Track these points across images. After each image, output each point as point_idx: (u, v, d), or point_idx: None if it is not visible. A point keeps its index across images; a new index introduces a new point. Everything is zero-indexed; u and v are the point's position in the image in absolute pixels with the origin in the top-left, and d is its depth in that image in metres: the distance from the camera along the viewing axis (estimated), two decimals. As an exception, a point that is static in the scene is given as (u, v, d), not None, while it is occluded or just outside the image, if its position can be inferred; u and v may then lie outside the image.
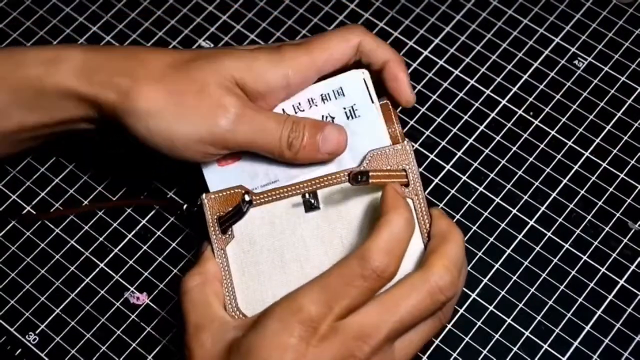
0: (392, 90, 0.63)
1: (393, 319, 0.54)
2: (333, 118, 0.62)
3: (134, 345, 0.66)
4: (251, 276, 0.61)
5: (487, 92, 0.75)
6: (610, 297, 0.67)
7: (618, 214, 0.70)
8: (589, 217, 0.70)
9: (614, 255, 0.68)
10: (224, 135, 0.60)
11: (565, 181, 0.71)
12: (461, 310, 0.67)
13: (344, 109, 0.62)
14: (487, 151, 0.72)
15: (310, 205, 0.61)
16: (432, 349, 0.65)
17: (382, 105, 0.63)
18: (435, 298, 0.56)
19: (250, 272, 0.61)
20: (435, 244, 0.58)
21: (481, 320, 0.66)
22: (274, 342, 0.53)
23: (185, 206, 0.66)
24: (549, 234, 0.69)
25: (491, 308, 0.67)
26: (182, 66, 0.61)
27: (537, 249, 0.69)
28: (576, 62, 0.76)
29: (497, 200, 0.70)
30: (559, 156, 0.72)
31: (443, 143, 0.73)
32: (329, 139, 0.61)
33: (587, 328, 0.66)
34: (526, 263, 0.68)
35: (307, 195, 0.61)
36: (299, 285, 0.55)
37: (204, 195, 0.62)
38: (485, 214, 0.70)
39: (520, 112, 0.74)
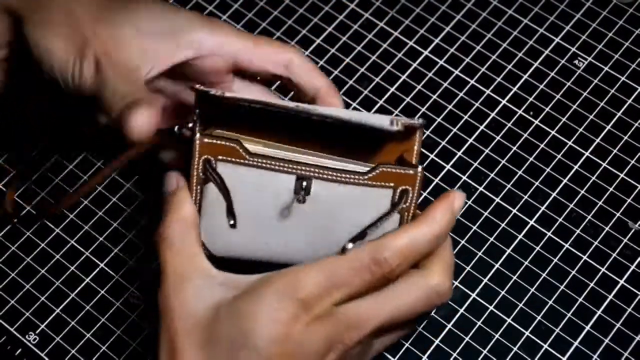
0: None
1: (387, 314, 0.55)
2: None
3: (134, 345, 0.66)
4: (217, 224, 0.58)
5: (487, 92, 0.75)
6: (610, 297, 0.67)
7: (618, 214, 0.70)
8: (589, 217, 0.70)
9: (614, 255, 0.68)
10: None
11: (565, 181, 0.71)
12: (461, 310, 0.67)
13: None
14: (487, 151, 0.72)
15: (301, 188, 0.58)
16: (432, 348, 0.65)
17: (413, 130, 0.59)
18: (431, 301, 0.56)
19: (218, 218, 0.58)
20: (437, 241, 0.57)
21: (481, 320, 0.66)
22: (269, 314, 0.52)
23: (176, 127, 0.59)
24: (549, 234, 0.69)
25: (491, 308, 0.67)
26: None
27: (537, 249, 0.69)
28: (576, 62, 0.76)
29: (497, 200, 0.71)
30: (559, 156, 0.72)
31: (443, 143, 0.73)
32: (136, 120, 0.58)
33: (587, 328, 0.66)
34: (526, 263, 0.68)
35: (302, 180, 0.58)
36: (256, 252, 0.56)
37: (197, 135, 0.57)
38: (485, 214, 0.70)
39: (520, 112, 0.74)
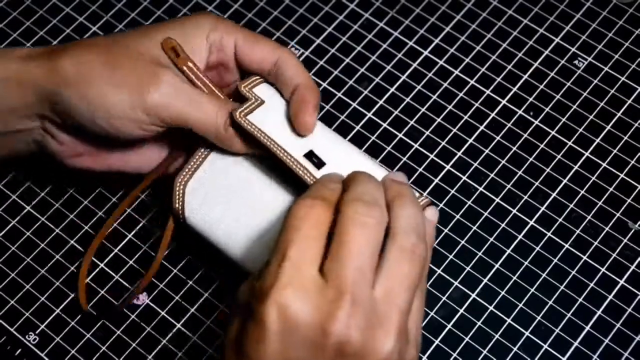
0: (292, 112, 0.62)
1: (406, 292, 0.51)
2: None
3: (134, 345, 0.66)
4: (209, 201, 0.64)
5: (487, 92, 0.75)
6: (610, 297, 0.67)
7: (618, 214, 0.70)
8: (589, 217, 0.70)
9: (614, 255, 0.68)
10: (158, 106, 0.60)
11: (565, 181, 0.71)
12: (461, 311, 0.67)
13: None
14: (487, 151, 0.72)
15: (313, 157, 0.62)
16: (432, 348, 0.65)
17: None
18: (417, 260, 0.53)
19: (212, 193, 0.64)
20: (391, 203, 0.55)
21: (481, 320, 0.66)
22: None
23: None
24: (549, 234, 0.69)
25: (491, 308, 0.67)
26: (115, 37, 0.63)
27: (537, 249, 0.69)
28: (576, 62, 0.76)
29: (497, 200, 0.70)
30: (559, 156, 0.72)
31: (443, 143, 0.73)
32: None
33: (587, 328, 0.66)
34: (526, 263, 0.68)
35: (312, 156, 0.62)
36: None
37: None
38: (485, 214, 0.70)
39: (520, 112, 0.74)
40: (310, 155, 0.61)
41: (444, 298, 0.67)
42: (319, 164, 0.61)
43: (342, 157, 0.62)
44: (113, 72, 0.60)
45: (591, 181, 0.71)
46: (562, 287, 0.67)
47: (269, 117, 0.62)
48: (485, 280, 0.68)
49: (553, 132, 0.73)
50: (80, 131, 0.62)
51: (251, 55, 0.64)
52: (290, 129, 0.62)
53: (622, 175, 0.71)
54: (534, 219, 0.70)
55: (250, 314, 0.50)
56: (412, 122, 0.74)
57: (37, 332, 0.67)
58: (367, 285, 0.50)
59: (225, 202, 0.63)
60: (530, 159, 0.72)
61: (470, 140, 0.73)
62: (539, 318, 0.66)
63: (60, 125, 0.62)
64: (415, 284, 0.51)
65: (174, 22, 0.64)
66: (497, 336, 0.66)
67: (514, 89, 0.75)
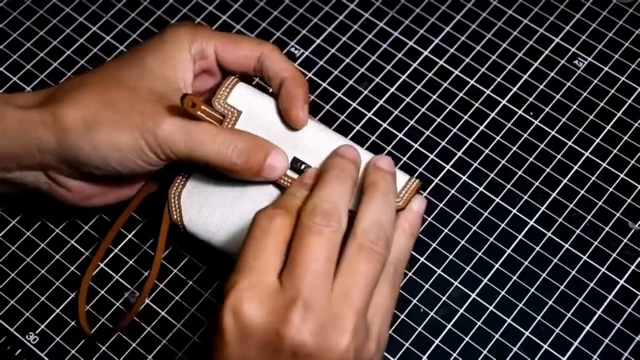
0: (283, 109, 0.62)
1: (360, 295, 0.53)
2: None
3: (134, 345, 0.66)
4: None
5: (487, 92, 0.75)
6: (610, 297, 0.67)
7: (618, 214, 0.70)
8: (589, 217, 0.70)
9: (614, 255, 0.68)
10: (163, 144, 0.60)
11: (565, 181, 0.71)
12: (461, 310, 0.67)
13: None
14: (487, 151, 0.72)
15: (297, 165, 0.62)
16: (432, 348, 0.65)
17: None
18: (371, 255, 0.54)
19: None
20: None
21: (481, 320, 0.66)
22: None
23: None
24: (549, 234, 0.69)
25: (491, 308, 0.67)
26: (102, 72, 0.63)
27: (537, 249, 0.69)
28: (576, 62, 0.76)
29: (497, 200, 0.70)
30: (559, 156, 0.72)
31: (443, 143, 0.73)
32: (273, 165, 0.61)
33: (587, 328, 0.66)
34: (526, 263, 0.68)
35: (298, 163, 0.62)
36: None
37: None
38: (485, 214, 0.70)
39: (520, 112, 0.74)
40: (295, 163, 0.62)
41: (444, 298, 0.67)
42: (303, 170, 0.61)
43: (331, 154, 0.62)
44: (115, 114, 0.60)
45: (591, 181, 0.71)
46: (562, 287, 0.67)
47: (248, 128, 0.62)
48: (485, 280, 0.68)
49: (553, 132, 0.73)
50: (88, 175, 0.62)
51: (233, 57, 0.64)
52: (273, 132, 0.62)
53: (622, 175, 0.71)
54: (534, 219, 0.70)
55: (213, 320, 0.53)
56: (412, 122, 0.74)
57: (37, 332, 0.67)
58: (323, 288, 0.52)
59: (222, 207, 0.63)
60: (530, 159, 0.72)
61: (470, 140, 0.73)
62: (539, 318, 0.66)
63: (66, 173, 0.62)
64: (373, 282, 0.53)
65: (154, 43, 0.64)
66: (497, 336, 0.66)
67: (514, 89, 0.75)
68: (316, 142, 0.62)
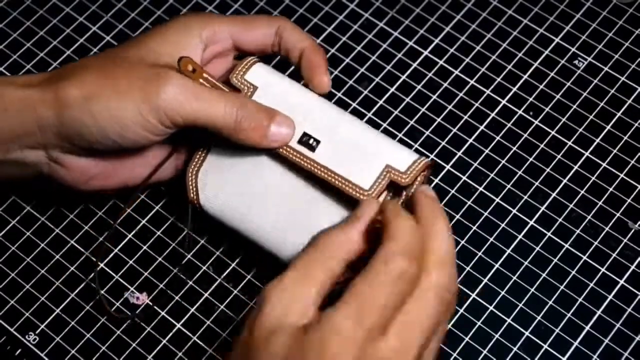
0: (307, 77, 0.64)
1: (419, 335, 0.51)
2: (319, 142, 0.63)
3: (134, 345, 0.66)
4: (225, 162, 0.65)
5: (487, 92, 0.75)
6: (610, 297, 0.67)
7: (618, 214, 0.70)
8: (589, 217, 0.70)
9: (614, 255, 0.68)
10: (168, 107, 0.60)
11: (565, 181, 0.71)
12: (461, 310, 0.67)
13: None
14: (487, 151, 0.72)
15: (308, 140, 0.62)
16: (432, 349, 0.65)
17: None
18: (444, 301, 0.52)
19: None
20: (425, 235, 0.54)
21: (481, 320, 0.66)
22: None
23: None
24: (549, 234, 0.69)
25: (491, 308, 0.67)
26: (107, 53, 0.63)
27: (537, 249, 0.69)
28: (576, 62, 0.76)
29: (497, 200, 0.71)
30: (559, 156, 0.72)
31: (443, 143, 0.73)
32: (278, 130, 0.62)
33: (587, 328, 0.66)
34: (526, 263, 0.68)
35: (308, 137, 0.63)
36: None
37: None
38: (485, 214, 0.70)
39: (520, 112, 0.74)
40: (304, 137, 0.62)
41: (444, 298, 0.67)
42: (313, 145, 0.62)
43: (341, 131, 0.62)
44: (116, 84, 0.60)
45: (591, 181, 0.71)
46: (562, 287, 0.67)
47: (262, 101, 0.63)
48: (485, 280, 0.68)
49: (553, 132, 0.73)
50: (90, 151, 0.62)
51: (251, 36, 0.65)
52: (284, 106, 0.63)
53: (622, 175, 0.71)
54: (534, 219, 0.70)
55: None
56: (412, 122, 0.74)
57: (37, 332, 0.67)
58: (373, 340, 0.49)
59: (239, 187, 0.64)
60: (530, 159, 0.72)
61: (470, 140, 0.73)
62: (539, 318, 0.66)
63: (67, 150, 0.62)
64: (433, 326, 0.51)
65: (159, 28, 0.64)
66: (497, 336, 0.66)
67: (514, 89, 0.75)
68: (327, 118, 0.63)
